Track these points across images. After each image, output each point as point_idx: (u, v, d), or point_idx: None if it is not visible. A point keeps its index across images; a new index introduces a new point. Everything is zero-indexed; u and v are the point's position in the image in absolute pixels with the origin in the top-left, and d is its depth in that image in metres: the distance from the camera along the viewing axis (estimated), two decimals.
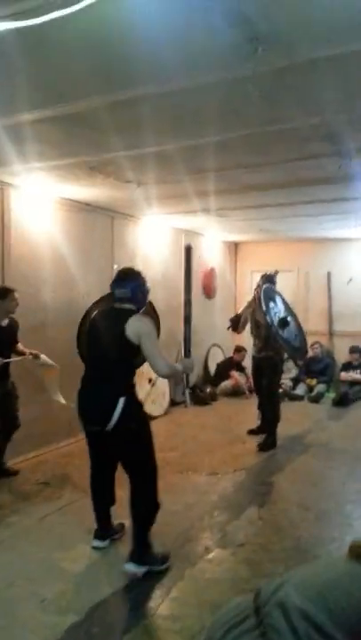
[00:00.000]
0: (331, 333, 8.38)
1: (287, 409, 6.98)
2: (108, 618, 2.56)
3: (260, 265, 9.01)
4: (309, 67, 2.09)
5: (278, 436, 5.37)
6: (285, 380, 7.82)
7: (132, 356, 2.92)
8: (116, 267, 6.03)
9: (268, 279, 5.53)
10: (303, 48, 1.93)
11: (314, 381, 7.78)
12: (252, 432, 5.63)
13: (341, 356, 8.17)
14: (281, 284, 8.72)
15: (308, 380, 7.83)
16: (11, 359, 4.23)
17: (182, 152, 3.39)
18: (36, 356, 4.39)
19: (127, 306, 2.98)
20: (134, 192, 4.65)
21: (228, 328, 5.53)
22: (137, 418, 2.92)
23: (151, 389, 6.52)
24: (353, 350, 7.94)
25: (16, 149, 3.37)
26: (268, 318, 4.98)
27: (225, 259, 8.89)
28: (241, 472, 4.55)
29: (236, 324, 5.38)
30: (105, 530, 3.21)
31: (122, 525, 3.31)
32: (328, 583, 1.37)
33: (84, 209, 5.40)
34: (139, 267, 6.32)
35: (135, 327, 2.82)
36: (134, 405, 2.90)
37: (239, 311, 5.56)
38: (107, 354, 2.92)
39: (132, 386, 2.99)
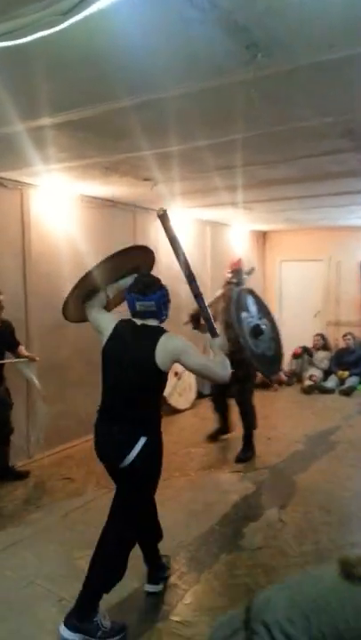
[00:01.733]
0: None
1: (317, 402, 6.93)
2: (121, 620, 2.61)
3: (289, 254, 8.86)
4: (314, 69, 1.99)
5: (305, 431, 5.30)
6: (317, 372, 7.71)
7: (161, 386, 2.57)
8: None
9: (238, 276, 4.92)
10: (304, 53, 1.85)
11: (346, 374, 7.61)
12: (211, 438, 5.24)
13: None
14: (311, 274, 8.62)
15: (340, 373, 7.66)
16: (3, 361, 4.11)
17: (196, 152, 3.33)
18: (34, 359, 4.26)
19: (151, 322, 2.54)
20: (152, 189, 4.61)
21: (186, 323, 4.74)
22: (154, 463, 2.56)
23: (178, 382, 6.54)
24: None
25: (35, 152, 3.39)
26: (241, 341, 4.33)
27: (253, 248, 8.76)
28: (264, 470, 4.53)
29: (196, 321, 4.60)
30: (158, 569, 2.88)
31: (167, 558, 3.04)
32: (314, 605, 1.35)
33: (105, 205, 5.41)
34: (162, 261, 6.38)
35: (168, 349, 2.40)
36: (155, 449, 2.53)
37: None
38: (129, 384, 2.48)
39: (157, 422, 2.59)
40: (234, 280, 4.93)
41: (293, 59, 1.90)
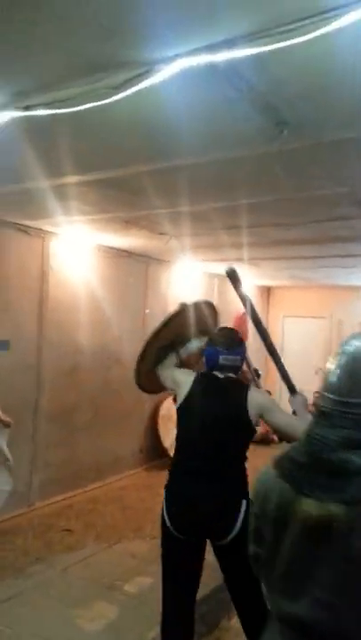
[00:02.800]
0: None
1: None
2: None
3: (292, 310, 9.00)
4: (335, 146, 2.14)
5: None
6: None
7: (249, 443, 2.38)
8: (148, 311, 6.14)
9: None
10: (329, 131, 2.00)
11: None
12: None
13: None
14: (313, 331, 8.71)
15: None
16: None
17: (213, 212, 3.49)
18: (8, 425, 3.77)
19: (232, 376, 2.42)
20: (167, 243, 4.78)
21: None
22: None
23: None
24: None
25: (59, 205, 3.54)
26: None
27: (257, 303, 8.90)
28: None
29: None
30: None
31: None
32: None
33: (121, 255, 5.57)
34: (170, 311, 6.49)
35: (256, 404, 2.28)
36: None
37: None
38: (228, 441, 2.28)
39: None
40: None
41: (317, 135, 2.05)
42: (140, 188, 3.03)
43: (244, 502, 2.18)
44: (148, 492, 5.18)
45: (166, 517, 2.28)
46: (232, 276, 2.77)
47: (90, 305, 5.16)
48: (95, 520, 4.45)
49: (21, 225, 4.37)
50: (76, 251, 5.00)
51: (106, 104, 1.80)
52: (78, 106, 1.81)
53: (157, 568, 3.63)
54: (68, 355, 4.97)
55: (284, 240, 4.40)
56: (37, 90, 1.81)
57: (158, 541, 4.01)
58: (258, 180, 2.73)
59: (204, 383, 2.41)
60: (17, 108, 1.90)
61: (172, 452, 6.41)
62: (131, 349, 5.71)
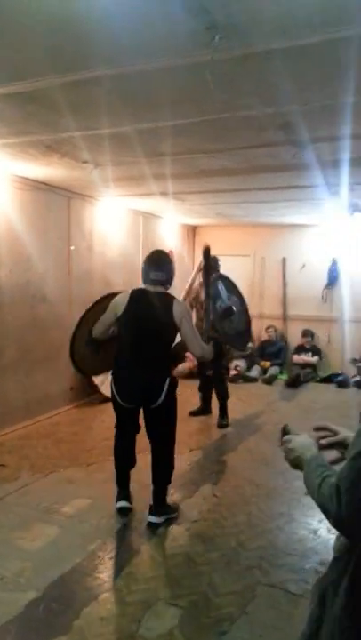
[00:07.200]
0: (285, 318, 8.62)
1: (241, 390, 7.21)
2: (66, 593, 2.62)
3: (217, 249, 9.08)
4: (265, 57, 2.13)
5: (232, 416, 5.57)
6: (241, 363, 8.04)
7: (174, 338, 3.27)
8: (73, 248, 5.97)
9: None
10: (259, 39, 1.98)
11: (268, 364, 8.03)
12: (192, 414, 5.72)
13: (294, 339, 8.46)
14: (238, 269, 8.91)
15: (263, 363, 8.07)
16: None
17: (138, 134, 3.38)
18: None
19: (160, 289, 3.27)
20: (91, 173, 4.61)
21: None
22: (174, 396, 3.28)
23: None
24: (305, 334, 8.24)
25: None
26: (218, 329, 4.87)
27: (183, 242, 8.94)
28: (197, 451, 4.68)
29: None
30: (128, 490, 3.50)
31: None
32: None
33: (40, 188, 5.30)
34: (96, 248, 6.37)
35: (179, 311, 3.16)
36: (174, 385, 3.25)
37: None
38: (155, 337, 3.17)
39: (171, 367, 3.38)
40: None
41: (248, 44, 2.02)
42: (59, 104, 2.85)
43: (168, 379, 3.19)
44: (81, 426, 5.25)
45: (115, 392, 3.27)
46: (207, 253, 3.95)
47: (9, 240, 4.93)
48: (28, 453, 4.47)
49: None
50: None
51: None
52: None
53: (95, 491, 3.78)
54: None
55: (209, 170, 4.39)
56: None
57: (94, 467, 4.20)
58: (185, 96, 2.66)
59: (139, 296, 3.27)
60: None
61: (102, 389, 6.49)
62: (56, 286, 5.60)
